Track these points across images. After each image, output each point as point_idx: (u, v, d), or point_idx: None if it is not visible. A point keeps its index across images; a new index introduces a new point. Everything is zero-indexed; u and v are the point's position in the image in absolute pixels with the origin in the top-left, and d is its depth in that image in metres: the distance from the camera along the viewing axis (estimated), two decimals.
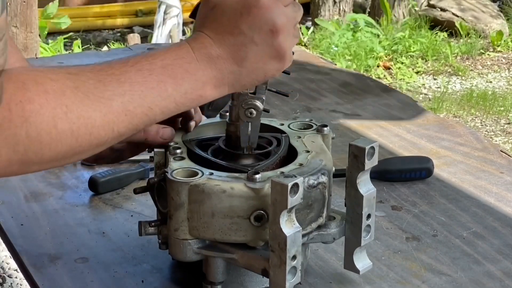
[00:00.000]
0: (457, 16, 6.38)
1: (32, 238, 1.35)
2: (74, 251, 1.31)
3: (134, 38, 5.68)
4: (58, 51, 5.25)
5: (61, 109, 0.88)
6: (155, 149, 1.22)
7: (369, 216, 1.17)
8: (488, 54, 6.08)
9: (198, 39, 1.04)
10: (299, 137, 1.23)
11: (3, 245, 1.37)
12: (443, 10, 6.45)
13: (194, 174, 1.11)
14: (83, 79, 0.92)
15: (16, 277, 2.84)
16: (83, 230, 1.38)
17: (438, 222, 1.41)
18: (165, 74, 0.99)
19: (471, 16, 6.39)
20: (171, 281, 1.24)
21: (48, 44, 5.37)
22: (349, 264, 1.20)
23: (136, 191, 1.22)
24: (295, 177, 1.03)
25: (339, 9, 6.39)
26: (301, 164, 1.14)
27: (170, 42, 5.02)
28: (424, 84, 5.50)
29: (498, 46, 6.18)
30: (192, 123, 1.23)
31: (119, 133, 0.95)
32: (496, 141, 4.47)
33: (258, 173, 1.09)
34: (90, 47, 5.89)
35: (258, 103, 1.19)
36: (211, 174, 1.11)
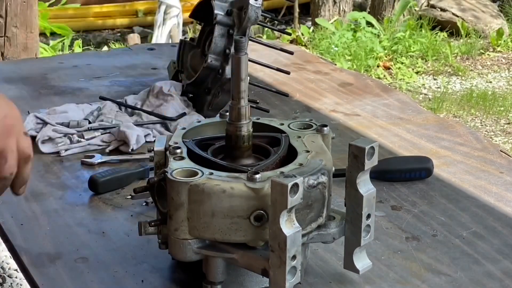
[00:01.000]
0: (457, 16, 6.38)
1: (32, 238, 1.35)
2: (74, 251, 1.31)
3: (134, 38, 5.69)
4: (59, 50, 5.25)
5: None
6: (155, 149, 1.22)
7: (368, 216, 1.17)
8: (488, 54, 6.08)
9: None
10: (299, 137, 1.23)
11: (3, 245, 1.37)
12: (443, 10, 6.45)
13: (194, 174, 1.11)
14: None
15: (16, 277, 2.84)
16: (83, 230, 1.38)
17: (438, 222, 1.41)
18: None
19: (471, 16, 6.39)
20: (171, 281, 1.24)
21: (49, 44, 5.37)
22: (349, 264, 1.20)
23: (136, 191, 1.22)
24: (295, 177, 1.03)
25: (339, 9, 6.39)
26: (301, 164, 1.14)
27: (170, 42, 5.02)
28: (424, 84, 5.50)
29: (498, 46, 6.18)
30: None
31: None
32: (496, 141, 4.47)
33: (258, 173, 1.09)
34: (90, 47, 5.88)
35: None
36: (211, 174, 1.11)
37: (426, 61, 5.84)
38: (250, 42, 1.82)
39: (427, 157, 1.61)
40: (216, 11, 1.82)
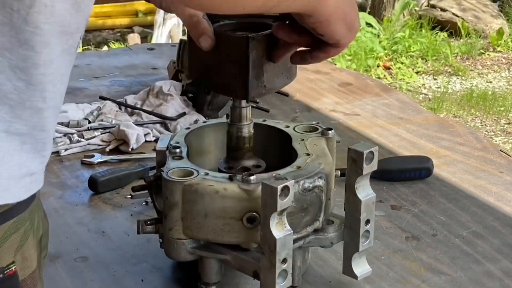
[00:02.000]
0: (457, 16, 6.38)
1: None
2: (74, 250, 1.31)
3: (134, 38, 5.69)
4: None
5: None
6: (157, 148, 1.22)
7: (367, 221, 1.15)
8: (488, 54, 6.08)
9: None
10: (302, 139, 1.22)
11: None
12: (443, 10, 6.45)
13: (190, 173, 1.11)
14: None
15: None
16: (83, 229, 1.38)
17: (438, 222, 1.41)
18: None
19: (471, 16, 6.39)
20: (170, 280, 1.24)
21: None
22: (348, 270, 1.19)
23: (134, 189, 1.22)
24: (286, 179, 1.02)
25: None
26: (298, 167, 1.13)
27: (170, 42, 5.02)
28: (424, 84, 5.50)
29: (498, 46, 6.18)
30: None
31: None
32: (496, 141, 4.47)
33: (252, 174, 1.08)
34: (90, 47, 5.89)
35: None
36: (206, 174, 1.11)
37: (426, 61, 5.85)
38: None
39: (427, 156, 1.61)
40: None
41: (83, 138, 1.69)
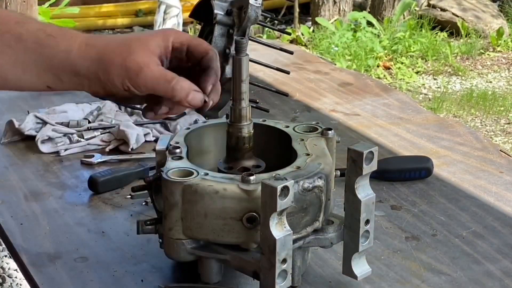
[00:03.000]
0: (457, 16, 6.38)
1: (31, 237, 1.35)
2: (74, 250, 1.31)
3: None
4: None
5: None
6: (157, 148, 1.22)
7: (367, 221, 1.15)
8: (488, 54, 6.08)
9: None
10: (302, 139, 1.22)
11: (3, 244, 1.37)
12: (443, 10, 6.45)
13: (189, 174, 1.11)
14: None
15: (16, 277, 2.84)
16: (83, 229, 1.38)
17: (438, 222, 1.41)
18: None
19: (471, 16, 6.39)
20: (170, 280, 1.23)
21: None
22: (347, 270, 1.19)
23: (134, 189, 1.22)
24: (286, 179, 1.02)
25: (339, 9, 6.39)
26: (298, 167, 1.13)
27: None
28: (424, 84, 5.50)
29: (498, 46, 6.18)
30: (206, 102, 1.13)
31: None
32: (496, 141, 4.47)
33: (252, 175, 1.08)
34: None
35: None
36: (206, 174, 1.11)
37: (426, 61, 5.84)
38: (250, 42, 1.82)
39: (426, 156, 1.61)
40: (216, 11, 1.82)
41: (83, 138, 1.69)
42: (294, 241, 1.08)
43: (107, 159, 1.64)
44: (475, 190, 1.54)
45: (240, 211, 1.08)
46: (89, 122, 1.76)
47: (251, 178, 1.08)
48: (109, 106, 1.84)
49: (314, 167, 1.13)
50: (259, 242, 1.07)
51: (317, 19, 6.21)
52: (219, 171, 1.18)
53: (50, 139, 1.69)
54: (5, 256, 2.89)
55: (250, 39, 1.82)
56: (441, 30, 6.27)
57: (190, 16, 2.03)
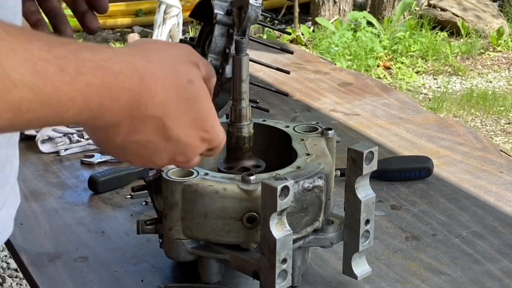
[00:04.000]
0: (457, 16, 6.38)
1: (31, 237, 1.35)
2: (74, 250, 1.31)
3: (134, 38, 5.69)
4: None
5: None
6: None
7: (367, 221, 1.15)
8: (488, 54, 6.08)
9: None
10: (302, 139, 1.22)
11: (3, 244, 1.37)
12: (443, 10, 6.45)
13: (190, 174, 1.11)
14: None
15: (16, 277, 2.84)
16: (83, 229, 1.38)
17: (438, 222, 1.41)
18: None
19: (471, 16, 6.39)
20: (170, 280, 1.23)
21: None
22: (348, 270, 1.19)
23: (134, 189, 1.22)
24: (286, 179, 1.02)
25: (339, 9, 6.39)
26: (298, 167, 1.13)
27: (170, 41, 5.02)
28: (424, 84, 5.50)
29: (498, 46, 6.18)
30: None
31: None
32: (496, 141, 4.47)
33: (252, 175, 1.08)
34: None
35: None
36: (206, 174, 1.11)
37: (426, 61, 5.84)
38: (250, 42, 1.82)
39: (427, 156, 1.61)
40: (216, 11, 1.81)
41: (83, 138, 1.69)
42: (294, 241, 1.08)
43: (107, 159, 1.64)
44: (475, 190, 1.54)
45: (240, 211, 1.08)
46: None
47: (251, 178, 1.08)
48: None
49: (314, 167, 1.13)
50: (259, 242, 1.07)
51: (317, 19, 6.21)
52: (219, 171, 1.18)
53: (50, 139, 1.69)
54: (5, 256, 2.89)
55: (250, 39, 1.82)
56: (441, 30, 6.27)
57: (190, 16, 2.02)
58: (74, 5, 1.13)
